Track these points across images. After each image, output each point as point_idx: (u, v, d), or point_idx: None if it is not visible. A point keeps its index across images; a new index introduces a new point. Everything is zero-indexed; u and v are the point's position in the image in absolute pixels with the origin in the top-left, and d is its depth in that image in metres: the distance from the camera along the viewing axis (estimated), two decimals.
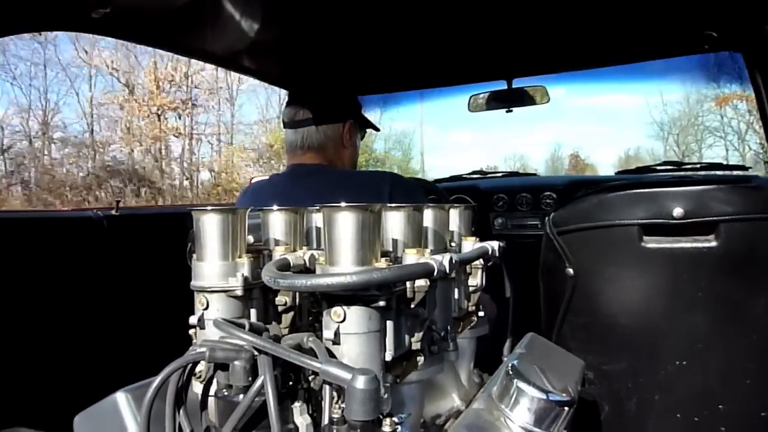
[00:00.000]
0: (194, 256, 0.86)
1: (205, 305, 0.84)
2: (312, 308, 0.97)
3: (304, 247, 0.99)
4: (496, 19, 2.08)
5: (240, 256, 0.86)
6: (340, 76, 2.54)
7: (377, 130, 1.90)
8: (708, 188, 1.31)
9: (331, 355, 0.77)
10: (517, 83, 2.76)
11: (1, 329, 1.59)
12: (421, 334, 0.90)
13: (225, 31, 2.01)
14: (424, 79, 2.89)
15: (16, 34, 1.55)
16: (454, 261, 0.86)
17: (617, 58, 2.52)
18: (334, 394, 0.76)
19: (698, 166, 2.71)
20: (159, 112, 16.07)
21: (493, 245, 1.14)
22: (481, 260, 1.17)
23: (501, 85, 2.80)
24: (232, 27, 1.97)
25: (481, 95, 2.89)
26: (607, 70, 2.62)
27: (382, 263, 0.79)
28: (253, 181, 1.96)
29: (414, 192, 1.69)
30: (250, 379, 0.77)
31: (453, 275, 0.96)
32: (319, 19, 2.03)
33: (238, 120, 17.90)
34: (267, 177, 1.86)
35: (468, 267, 1.17)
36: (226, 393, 0.79)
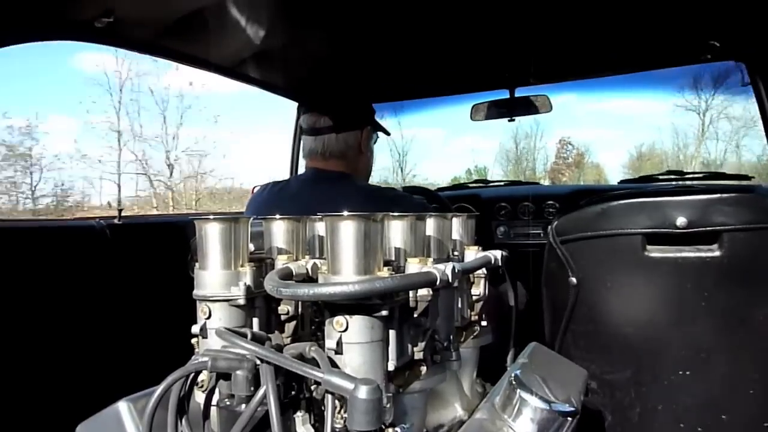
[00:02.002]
0: (196, 264, 0.87)
1: (207, 314, 0.85)
2: (314, 317, 0.98)
3: (307, 256, 1.00)
4: (499, 29, 2.10)
5: (242, 265, 0.86)
6: (355, 83, 2.57)
7: (388, 134, 1.93)
8: (711, 198, 1.33)
9: (334, 364, 0.78)
10: (519, 92, 2.78)
11: (4, 337, 1.60)
12: (423, 343, 0.90)
13: (232, 41, 2.03)
14: (427, 88, 2.91)
15: (20, 43, 1.56)
16: (456, 270, 0.86)
17: (620, 67, 2.54)
18: (337, 403, 0.75)
19: (701, 175, 2.72)
20: None
21: (496, 254, 1.15)
22: (484, 269, 1.18)
23: (504, 94, 2.82)
24: (239, 36, 1.99)
25: (484, 104, 2.90)
26: (611, 79, 2.64)
27: (385, 272, 0.79)
28: (256, 189, 1.96)
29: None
30: (252, 388, 0.77)
31: (456, 284, 0.97)
32: (326, 29, 2.05)
33: None
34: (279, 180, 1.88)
35: (471, 276, 1.17)
36: (228, 403, 0.80)
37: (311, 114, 1.76)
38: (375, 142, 1.87)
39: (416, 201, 1.76)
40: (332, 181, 1.69)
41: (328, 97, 1.83)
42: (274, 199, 1.75)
